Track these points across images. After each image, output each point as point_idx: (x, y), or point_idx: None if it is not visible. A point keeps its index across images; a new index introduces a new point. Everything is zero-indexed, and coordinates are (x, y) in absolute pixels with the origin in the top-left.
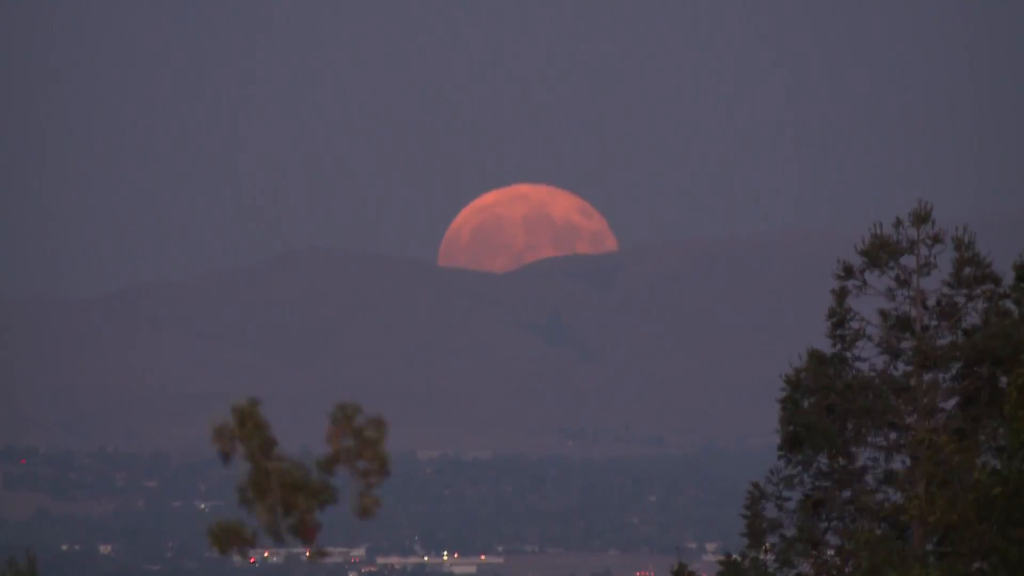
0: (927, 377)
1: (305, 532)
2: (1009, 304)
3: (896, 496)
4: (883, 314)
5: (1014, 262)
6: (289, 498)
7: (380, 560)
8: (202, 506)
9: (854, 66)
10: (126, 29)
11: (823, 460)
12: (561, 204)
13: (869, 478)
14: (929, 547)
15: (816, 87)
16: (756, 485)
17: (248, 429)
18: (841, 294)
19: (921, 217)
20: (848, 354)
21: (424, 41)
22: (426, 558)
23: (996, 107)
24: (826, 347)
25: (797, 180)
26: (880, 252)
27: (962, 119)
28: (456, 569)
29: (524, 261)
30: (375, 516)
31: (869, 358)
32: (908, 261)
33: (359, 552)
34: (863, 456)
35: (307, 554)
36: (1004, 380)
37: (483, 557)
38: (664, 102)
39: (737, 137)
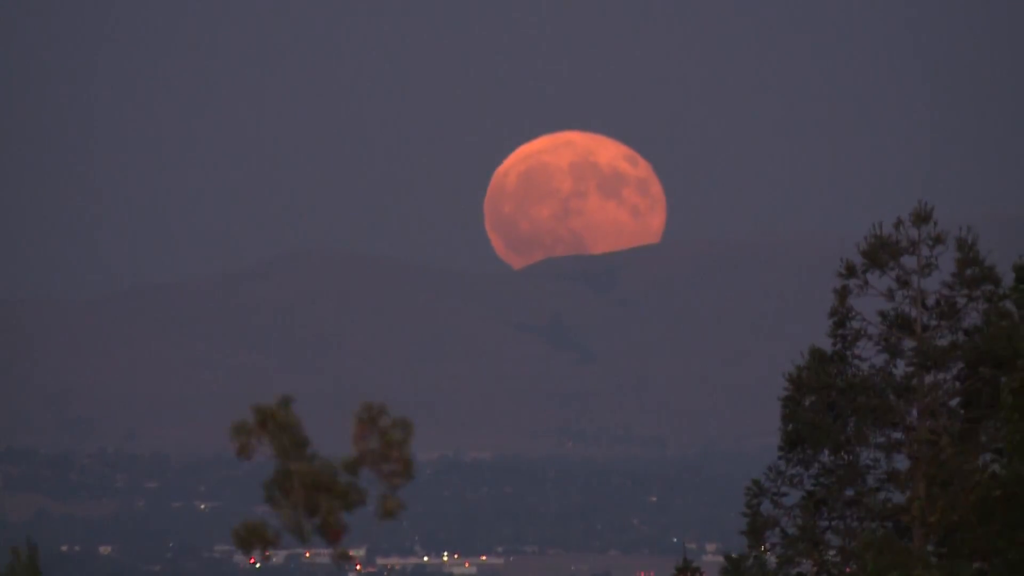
0: (928, 378)
1: (329, 533)
2: (1009, 305)
3: (898, 496)
4: (883, 315)
5: (1014, 263)
6: (312, 499)
7: (380, 561)
8: (202, 507)
9: (854, 66)
10: (129, 28)
11: (825, 458)
12: (607, 151)
13: (870, 478)
14: (930, 548)
15: (817, 87)
16: (756, 482)
17: (271, 429)
18: (843, 293)
19: (922, 217)
20: (849, 353)
21: (433, 33)
22: (426, 559)
23: (997, 107)
24: (827, 347)
25: (798, 181)
26: (880, 252)
27: (962, 119)
28: (456, 570)
29: (570, 207)
30: (398, 517)
31: (870, 357)
32: (909, 262)
33: (359, 552)
34: (864, 455)
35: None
36: (1004, 381)
37: (483, 558)
38: (664, 102)
39: (737, 138)
